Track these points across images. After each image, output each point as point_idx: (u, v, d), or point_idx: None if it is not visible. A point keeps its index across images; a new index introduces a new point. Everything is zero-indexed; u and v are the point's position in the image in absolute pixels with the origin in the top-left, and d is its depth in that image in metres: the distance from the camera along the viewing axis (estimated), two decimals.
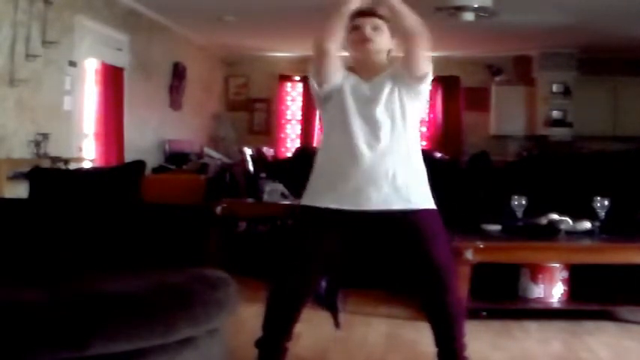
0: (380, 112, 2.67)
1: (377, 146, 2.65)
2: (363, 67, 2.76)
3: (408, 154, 2.71)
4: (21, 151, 5.66)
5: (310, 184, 2.79)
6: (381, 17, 2.71)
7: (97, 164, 6.93)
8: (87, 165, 6.58)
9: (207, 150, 9.16)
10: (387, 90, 2.69)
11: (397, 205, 2.66)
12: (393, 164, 2.66)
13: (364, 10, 2.70)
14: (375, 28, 2.70)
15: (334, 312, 3.27)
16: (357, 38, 2.71)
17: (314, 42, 2.69)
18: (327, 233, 2.70)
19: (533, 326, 3.99)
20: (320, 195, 2.72)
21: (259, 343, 2.78)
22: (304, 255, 2.71)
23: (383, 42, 2.73)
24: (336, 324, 3.30)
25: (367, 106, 2.68)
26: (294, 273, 2.73)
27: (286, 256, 2.76)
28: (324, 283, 3.20)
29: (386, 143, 2.66)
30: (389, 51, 2.78)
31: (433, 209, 2.73)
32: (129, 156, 7.30)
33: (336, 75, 2.71)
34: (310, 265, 2.72)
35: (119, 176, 3.37)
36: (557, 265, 4.17)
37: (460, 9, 7.16)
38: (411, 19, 2.63)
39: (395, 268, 3.02)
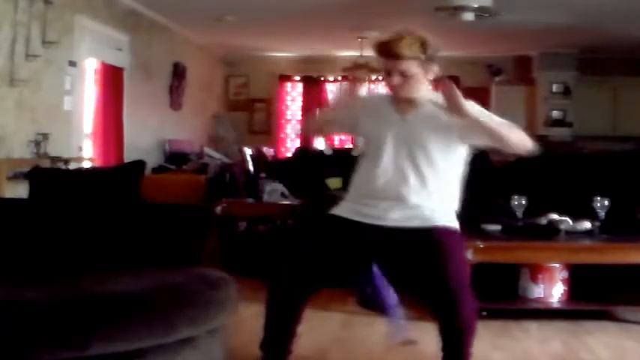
0: (414, 142, 2.70)
1: (405, 172, 2.70)
2: (399, 100, 2.76)
3: (439, 182, 2.73)
4: (21, 151, 5.65)
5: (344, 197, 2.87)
6: (410, 58, 2.63)
7: (97, 164, 6.93)
8: (87, 165, 6.58)
9: (207, 150, 9.15)
10: (423, 126, 2.71)
11: (415, 223, 2.69)
12: (418, 189, 2.70)
13: (390, 52, 2.62)
14: (404, 74, 2.64)
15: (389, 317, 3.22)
16: (388, 84, 2.71)
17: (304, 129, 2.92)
18: (339, 240, 2.71)
19: (533, 326, 3.99)
20: (344, 207, 2.79)
21: (263, 345, 2.76)
22: (310, 257, 2.69)
23: (414, 85, 2.69)
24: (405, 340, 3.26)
25: (400, 134, 2.71)
26: (298, 274, 2.69)
27: (290, 257, 2.74)
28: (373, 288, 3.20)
29: (415, 170, 2.70)
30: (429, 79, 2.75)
31: (453, 229, 2.73)
32: (129, 156, 7.30)
33: (345, 124, 2.93)
34: (315, 268, 2.68)
35: (119, 176, 3.37)
36: (557, 265, 4.17)
37: (460, 9, 7.16)
38: (513, 137, 2.70)
39: (407, 278, 3.02)
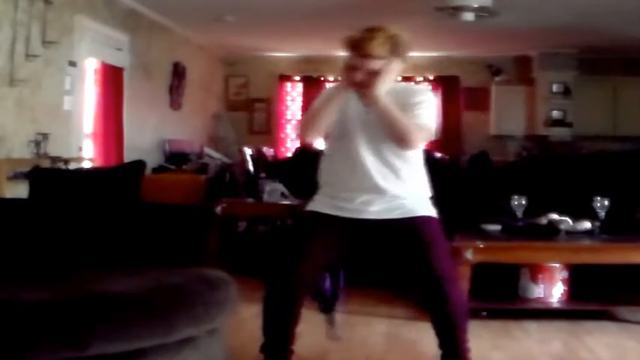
0: (381, 133, 2.67)
1: (378, 164, 2.69)
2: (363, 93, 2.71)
3: (410, 171, 2.74)
4: (21, 151, 5.65)
5: (317, 192, 2.84)
6: (380, 57, 2.57)
7: (97, 164, 6.93)
8: (87, 165, 6.58)
9: (207, 150, 9.16)
10: None
11: (396, 214, 2.70)
12: (394, 180, 2.70)
13: (361, 50, 2.56)
14: (371, 73, 2.58)
15: (330, 315, 3.26)
16: (349, 80, 2.62)
17: (298, 131, 2.72)
18: (325, 237, 2.70)
19: (533, 326, 4.00)
20: (321, 202, 2.77)
21: (263, 348, 2.76)
22: (300, 256, 2.68)
23: (378, 81, 2.61)
24: (331, 326, 3.28)
25: (368, 126, 2.69)
26: (290, 274, 2.68)
27: (281, 259, 2.74)
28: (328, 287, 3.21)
29: (387, 161, 2.69)
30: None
31: (433, 217, 2.75)
32: (129, 156, 7.30)
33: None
34: (306, 267, 2.68)
35: (119, 176, 3.37)
36: (557, 265, 4.17)
37: (460, 9, 7.16)
38: (401, 127, 2.58)
39: (395, 270, 3.02)
